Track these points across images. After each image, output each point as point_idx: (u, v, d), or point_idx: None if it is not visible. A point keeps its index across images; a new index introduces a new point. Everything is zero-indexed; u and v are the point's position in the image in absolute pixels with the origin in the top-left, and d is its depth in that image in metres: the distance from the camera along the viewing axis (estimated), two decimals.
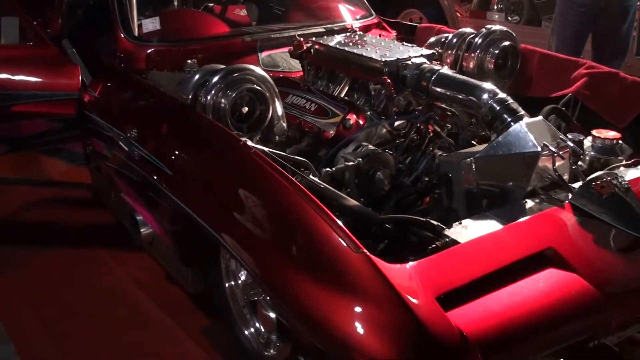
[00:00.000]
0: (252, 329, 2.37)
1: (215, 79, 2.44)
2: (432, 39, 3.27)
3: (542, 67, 3.16)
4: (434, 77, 2.58)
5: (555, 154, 2.14)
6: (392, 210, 2.32)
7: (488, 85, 2.46)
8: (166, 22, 3.10)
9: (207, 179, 2.23)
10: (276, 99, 2.52)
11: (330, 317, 1.66)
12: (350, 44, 2.91)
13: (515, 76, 3.14)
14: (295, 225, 1.87)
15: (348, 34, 3.16)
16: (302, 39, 3.03)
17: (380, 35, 3.44)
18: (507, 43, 3.08)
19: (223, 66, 2.56)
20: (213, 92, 2.42)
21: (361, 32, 3.28)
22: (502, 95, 2.39)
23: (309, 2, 3.86)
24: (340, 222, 1.77)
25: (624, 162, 2.38)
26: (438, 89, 2.57)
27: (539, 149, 2.15)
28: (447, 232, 1.96)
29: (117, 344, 2.58)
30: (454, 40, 3.15)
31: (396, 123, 2.65)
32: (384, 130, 2.62)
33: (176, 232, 2.44)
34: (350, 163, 2.33)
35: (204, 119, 2.38)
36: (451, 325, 1.61)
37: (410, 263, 1.74)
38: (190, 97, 2.48)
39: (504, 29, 3.15)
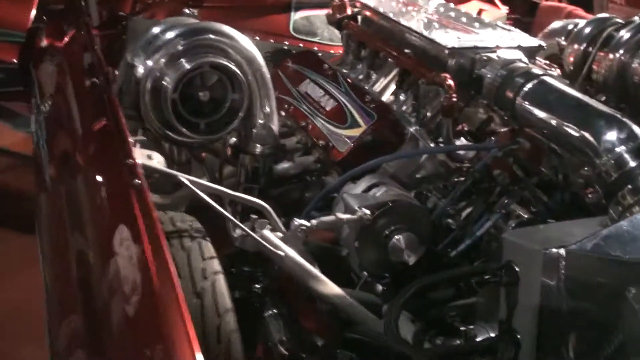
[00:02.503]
0: None
1: (165, 37, 1.53)
2: (556, 24, 2.28)
3: None
4: (527, 85, 1.53)
5: None
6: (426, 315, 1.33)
7: (622, 116, 1.38)
8: None
9: None
10: (263, 90, 1.59)
11: None
12: (413, 13, 1.89)
13: None
14: None
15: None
16: None
17: (480, 10, 2.41)
18: None
19: (192, 20, 1.65)
20: (155, 58, 1.52)
21: (451, 4, 2.25)
22: None
23: None
24: None
25: None
26: (530, 108, 1.52)
27: None
28: None
29: None
30: (587, 29, 2.08)
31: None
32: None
33: None
34: (350, 216, 1.36)
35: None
36: None
37: None
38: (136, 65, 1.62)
39: None
